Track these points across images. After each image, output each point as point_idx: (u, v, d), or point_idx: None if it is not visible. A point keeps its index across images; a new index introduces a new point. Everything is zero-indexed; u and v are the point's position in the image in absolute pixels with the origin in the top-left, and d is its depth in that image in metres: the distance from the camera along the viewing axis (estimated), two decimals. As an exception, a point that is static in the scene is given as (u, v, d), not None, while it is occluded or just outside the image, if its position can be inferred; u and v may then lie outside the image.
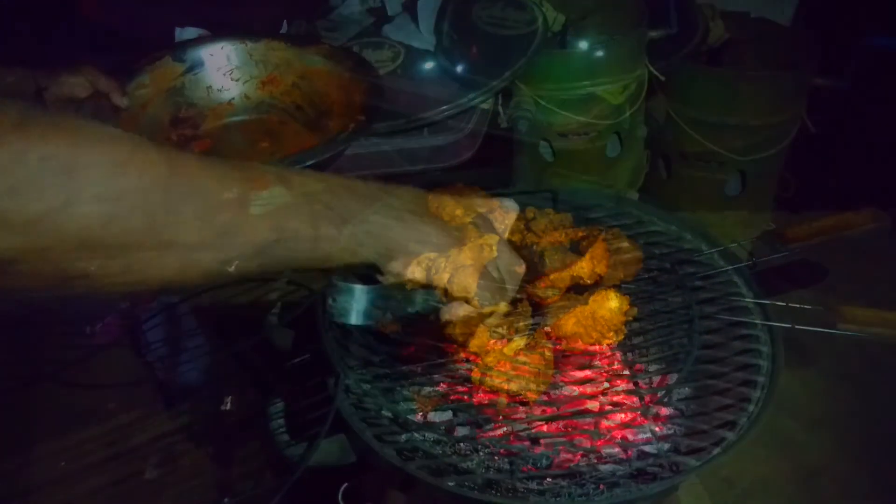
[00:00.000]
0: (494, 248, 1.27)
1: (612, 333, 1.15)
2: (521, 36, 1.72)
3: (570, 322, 1.13)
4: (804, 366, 2.27)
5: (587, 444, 1.06)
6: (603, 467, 1.06)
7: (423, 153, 1.71)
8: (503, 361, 1.09)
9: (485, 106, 1.76)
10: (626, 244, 1.24)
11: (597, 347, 1.18)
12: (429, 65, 1.78)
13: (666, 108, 1.74)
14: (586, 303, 1.14)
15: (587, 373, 1.18)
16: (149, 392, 2.12)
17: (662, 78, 1.80)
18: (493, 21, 1.66)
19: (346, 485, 1.05)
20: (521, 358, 1.08)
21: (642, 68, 1.81)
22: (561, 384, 1.14)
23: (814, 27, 1.82)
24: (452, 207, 1.36)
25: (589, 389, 1.14)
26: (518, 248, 1.28)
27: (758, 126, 1.68)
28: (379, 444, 1.01)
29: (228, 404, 1.34)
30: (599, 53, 1.72)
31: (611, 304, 1.14)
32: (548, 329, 1.14)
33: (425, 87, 1.72)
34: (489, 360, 1.08)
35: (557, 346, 1.17)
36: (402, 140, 1.71)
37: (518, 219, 1.31)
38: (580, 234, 1.31)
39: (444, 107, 1.69)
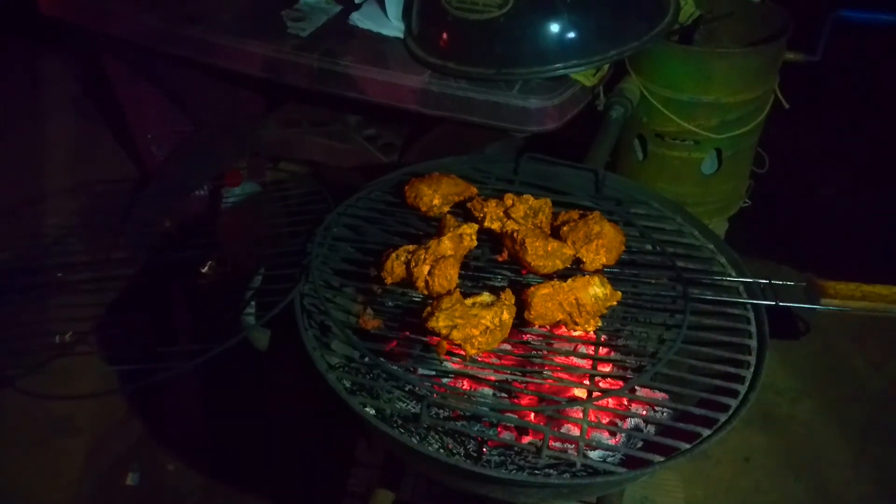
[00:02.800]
0: (474, 236, 1.26)
1: (595, 319, 1.14)
2: (639, 18, 1.66)
3: (553, 308, 1.12)
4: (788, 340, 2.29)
5: (576, 431, 1.05)
6: (593, 454, 1.06)
7: (507, 111, 1.65)
8: (458, 308, 1.07)
9: (585, 81, 1.70)
10: (607, 227, 1.23)
11: (582, 334, 1.17)
12: (533, 18, 1.63)
13: (639, 88, 1.72)
14: (565, 288, 1.13)
15: (573, 359, 1.18)
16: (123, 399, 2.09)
17: (787, 105, 1.75)
18: (461, 5, 1.63)
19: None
20: (475, 311, 1.07)
21: (769, 87, 1.75)
22: (546, 372, 1.13)
23: (784, 2, 1.81)
24: (430, 197, 1.35)
25: (576, 376, 1.13)
26: (499, 235, 1.27)
27: (731, 103, 1.67)
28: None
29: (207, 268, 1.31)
30: (724, 61, 1.65)
31: (593, 289, 1.13)
32: (532, 317, 1.12)
33: (524, 42, 1.63)
34: (444, 303, 1.07)
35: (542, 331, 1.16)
36: (490, 91, 1.66)
37: (497, 206, 1.29)
38: (560, 219, 1.30)
39: (536, 68, 1.63)
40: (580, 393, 1.15)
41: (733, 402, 1.02)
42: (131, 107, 2.36)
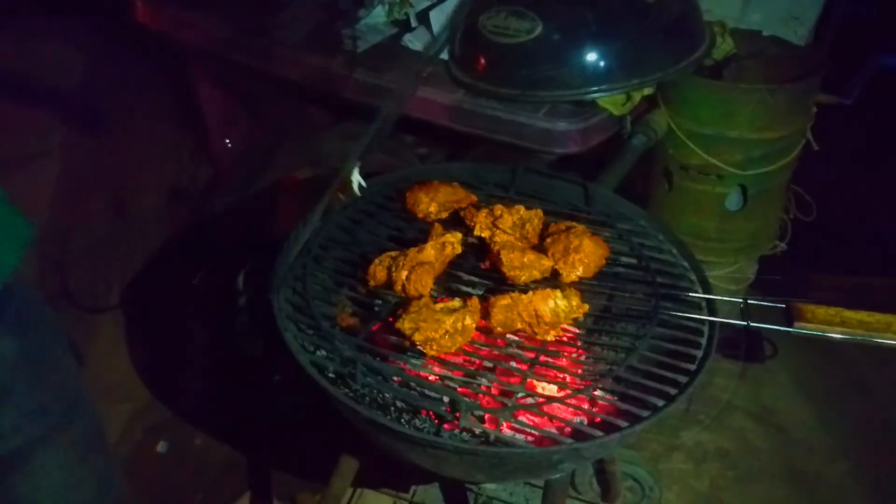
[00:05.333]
0: (458, 245, 1.33)
1: (556, 330, 1.18)
2: (667, 50, 1.69)
3: (513, 318, 1.17)
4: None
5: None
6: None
7: (533, 132, 1.73)
8: (424, 312, 1.14)
9: (613, 110, 1.75)
10: (587, 242, 1.28)
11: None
12: (558, 45, 1.68)
13: (667, 120, 1.75)
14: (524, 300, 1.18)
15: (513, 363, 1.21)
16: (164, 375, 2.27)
17: (816, 147, 1.75)
18: (496, 30, 1.72)
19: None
20: (439, 315, 1.13)
21: (800, 126, 1.75)
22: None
23: (827, 47, 1.80)
24: (426, 204, 1.43)
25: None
26: (485, 244, 1.34)
27: (756, 140, 1.68)
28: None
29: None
30: (748, 97, 1.66)
31: (553, 302, 1.18)
32: (493, 325, 1.18)
33: (548, 67, 1.69)
34: (412, 306, 1.14)
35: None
36: (517, 112, 1.74)
37: (487, 215, 1.36)
38: (550, 230, 1.36)
39: (560, 92, 1.68)
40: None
41: (660, 403, 1.05)
42: (211, 114, 2.57)
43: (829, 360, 2.33)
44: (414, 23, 2.07)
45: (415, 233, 1.38)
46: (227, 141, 2.59)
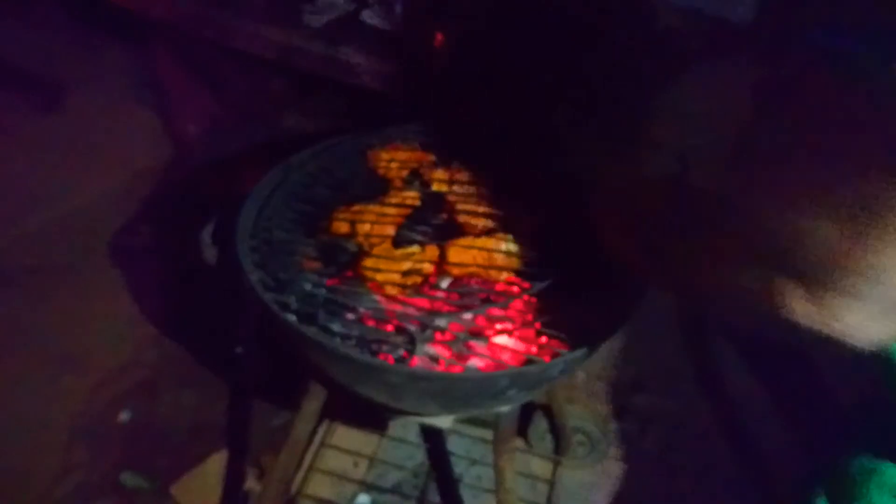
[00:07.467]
0: (417, 199, 1.41)
1: (506, 272, 1.27)
2: None
3: (467, 259, 1.25)
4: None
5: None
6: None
7: None
8: (386, 256, 1.22)
9: None
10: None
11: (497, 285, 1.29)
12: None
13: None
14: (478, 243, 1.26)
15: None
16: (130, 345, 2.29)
17: None
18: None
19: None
20: (400, 259, 1.22)
21: None
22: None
23: (762, 25, 1.90)
24: (387, 162, 1.51)
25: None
26: (443, 199, 1.42)
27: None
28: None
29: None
30: None
31: (505, 245, 1.26)
32: (449, 267, 1.26)
33: None
34: (375, 250, 1.21)
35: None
36: None
37: (443, 172, 1.44)
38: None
39: None
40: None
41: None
42: (172, 91, 2.60)
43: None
44: (371, -1, 2.15)
45: (370, 190, 1.44)
46: (190, 119, 2.62)
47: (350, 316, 1.19)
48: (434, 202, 1.42)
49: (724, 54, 1.04)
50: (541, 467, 1.91)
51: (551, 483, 1.86)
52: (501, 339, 1.17)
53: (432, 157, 1.52)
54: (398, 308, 1.19)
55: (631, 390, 2.26)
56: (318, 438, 1.93)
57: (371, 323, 1.18)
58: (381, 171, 1.49)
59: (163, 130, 2.80)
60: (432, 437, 1.92)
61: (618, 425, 2.17)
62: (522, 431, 1.89)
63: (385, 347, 1.13)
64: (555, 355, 1.13)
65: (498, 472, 1.36)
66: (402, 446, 1.97)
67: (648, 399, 2.26)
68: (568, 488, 1.89)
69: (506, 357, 1.14)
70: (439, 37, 1.88)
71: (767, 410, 2.25)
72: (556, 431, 1.86)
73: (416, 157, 1.51)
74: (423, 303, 1.21)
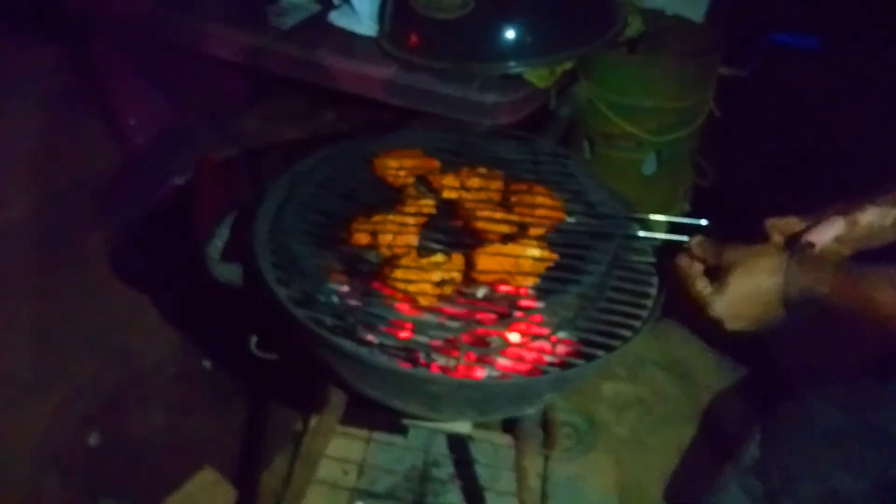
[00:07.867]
0: (433, 207, 1.40)
1: (531, 278, 1.29)
2: (588, 28, 1.84)
3: (495, 266, 1.26)
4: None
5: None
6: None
7: (465, 104, 1.80)
8: (413, 265, 1.21)
9: (538, 83, 1.82)
10: (549, 199, 1.39)
11: (519, 290, 1.31)
12: (489, 21, 1.80)
13: (587, 93, 1.90)
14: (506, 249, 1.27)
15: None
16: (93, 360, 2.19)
17: (718, 114, 1.99)
18: (428, 5, 1.79)
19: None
20: (429, 269, 1.21)
21: (703, 96, 1.95)
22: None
23: (722, 24, 2.01)
24: (395, 169, 1.49)
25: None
26: (455, 205, 1.42)
27: (669, 109, 1.86)
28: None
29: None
30: (662, 69, 1.88)
31: (531, 251, 1.28)
32: (477, 274, 1.26)
33: (480, 41, 1.80)
34: (403, 261, 1.21)
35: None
36: (451, 86, 1.80)
37: (453, 178, 1.44)
38: (511, 189, 1.46)
39: (490, 64, 1.78)
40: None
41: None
42: (115, 93, 2.48)
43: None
44: (337, 1, 2.11)
45: (378, 198, 1.43)
46: (137, 122, 2.51)
47: (387, 328, 1.18)
48: (445, 209, 1.42)
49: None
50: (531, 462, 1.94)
51: (544, 477, 1.91)
52: (538, 343, 1.19)
53: (437, 164, 1.51)
54: (441, 319, 1.19)
55: (602, 379, 2.34)
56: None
57: (410, 335, 1.17)
58: (389, 180, 1.47)
59: (103, 133, 2.66)
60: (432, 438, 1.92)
61: (595, 415, 2.23)
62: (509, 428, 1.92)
63: (435, 357, 1.13)
64: (591, 357, 1.16)
65: (521, 471, 1.39)
66: (390, 450, 1.97)
67: (618, 386, 2.34)
68: (558, 481, 1.93)
69: (537, 360, 1.16)
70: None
71: (729, 389, 2.37)
72: (545, 426, 1.89)
73: (423, 164, 1.50)
74: (464, 313, 1.22)
